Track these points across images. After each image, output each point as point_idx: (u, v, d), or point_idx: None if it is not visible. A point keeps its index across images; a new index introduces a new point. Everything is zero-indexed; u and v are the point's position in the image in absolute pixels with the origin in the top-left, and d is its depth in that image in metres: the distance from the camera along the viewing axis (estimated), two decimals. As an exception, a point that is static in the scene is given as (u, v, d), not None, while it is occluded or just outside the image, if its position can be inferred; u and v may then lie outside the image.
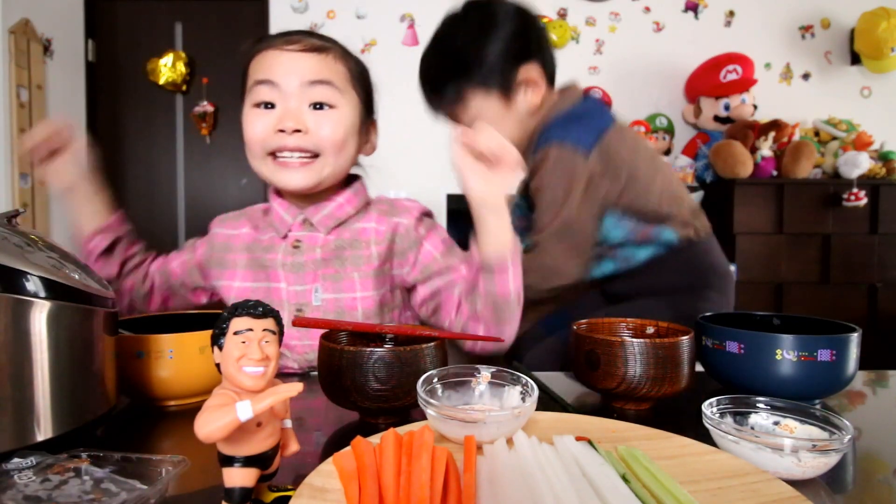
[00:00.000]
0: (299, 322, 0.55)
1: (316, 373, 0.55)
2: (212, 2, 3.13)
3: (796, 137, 2.99)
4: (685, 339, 0.55)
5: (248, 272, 0.84)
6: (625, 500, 0.33)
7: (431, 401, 0.42)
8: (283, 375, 0.77)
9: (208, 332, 0.37)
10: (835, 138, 3.05)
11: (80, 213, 0.84)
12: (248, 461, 0.32)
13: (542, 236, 1.01)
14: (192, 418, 0.30)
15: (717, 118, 3.03)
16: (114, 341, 0.52)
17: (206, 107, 3.08)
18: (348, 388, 0.49)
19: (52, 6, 2.78)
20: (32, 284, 0.42)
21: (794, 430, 0.44)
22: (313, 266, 0.81)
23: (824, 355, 0.55)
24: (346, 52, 0.83)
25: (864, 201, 2.71)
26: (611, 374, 0.55)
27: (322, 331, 0.57)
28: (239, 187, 3.13)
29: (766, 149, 2.84)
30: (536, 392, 0.45)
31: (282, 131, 0.75)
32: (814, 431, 0.44)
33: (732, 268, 2.74)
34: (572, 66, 3.05)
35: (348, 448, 0.37)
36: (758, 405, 0.47)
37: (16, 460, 0.38)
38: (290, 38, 0.79)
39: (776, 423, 0.46)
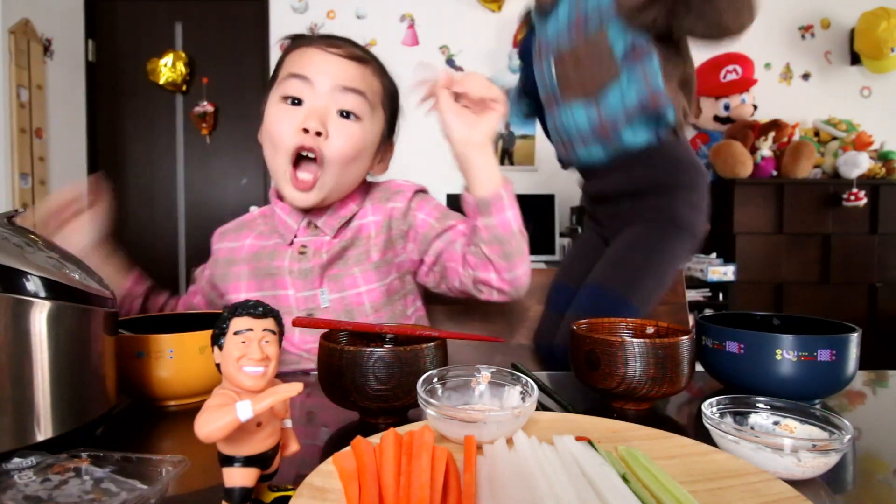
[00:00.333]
0: (299, 322, 0.55)
1: (316, 373, 0.55)
2: (212, 2, 3.13)
3: (796, 137, 2.99)
4: (685, 339, 0.55)
5: (253, 282, 0.83)
6: (625, 500, 0.33)
7: (431, 401, 0.42)
8: (283, 375, 0.77)
9: (208, 332, 0.37)
10: (835, 138, 3.05)
11: (102, 273, 0.81)
12: (248, 461, 0.32)
13: None
14: (192, 418, 0.30)
15: (716, 118, 3.03)
16: (114, 341, 0.52)
17: (206, 107, 3.08)
18: (348, 388, 0.49)
19: (52, 6, 2.78)
20: (32, 284, 0.42)
21: (794, 430, 0.44)
22: (319, 270, 0.81)
23: (824, 355, 0.55)
24: (384, 69, 0.84)
25: (863, 201, 2.72)
26: (611, 374, 0.55)
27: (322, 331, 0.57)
28: (239, 187, 3.13)
29: (766, 149, 2.84)
30: (536, 392, 0.45)
31: (305, 131, 0.73)
32: (814, 431, 0.44)
33: (732, 267, 2.74)
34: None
35: (348, 448, 0.37)
36: (758, 405, 0.47)
37: (16, 460, 0.38)
38: (334, 41, 0.79)
39: (776, 423, 0.46)
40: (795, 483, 0.38)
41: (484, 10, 3.15)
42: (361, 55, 0.80)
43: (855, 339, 0.57)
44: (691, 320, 1.75)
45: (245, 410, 0.29)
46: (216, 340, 0.32)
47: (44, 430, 0.42)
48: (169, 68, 3.03)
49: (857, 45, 3.12)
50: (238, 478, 0.32)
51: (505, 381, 0.49)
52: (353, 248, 0.82)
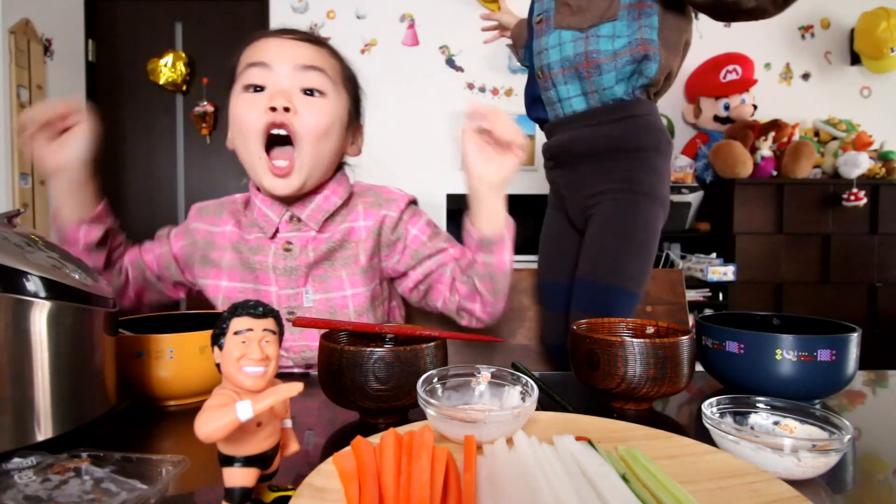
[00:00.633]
0: (299, 322, 0.55)
1: (316, 373, 0.55)
2: (212, 2, 3.13)
3: (796, 137, 2.99)
4: (685, 339, 0.55)
5: (235, 272, 0.82)
6: (625, 500, 0.33)
7: (431, 401, 0.42)
8: (283, 375, 0.77)
9: (208, 332, 0.37)
10: (835, 138, 3.05)
11: (67, 198, 0.78)
12: (248, 461, 0.32)
13: None
14: (192, 418, 0.30)
15: (716, 118, 3.03)
16: (114, 341, 0.52)
17: (206, 107, 3.08)
18: (348, 388, 0.49)
19: (52, 6, 2.78)
20: (32, 284, 0.42)
21: (794, 430, 0.44)
22: (305, 269, 0.80)
23: (824, 355, 0.55)
24: (338, 53, 0.84)
25: (863, 201, 2.72)
26: (611, 374, 0.55)
27: (321, 330, 0.57)
28: (239, 187, 3.12)
29: (765, 149, 2.84)
30: (536, 392, 0.45)
31: (273, 109, 0.73)
32: (814, 431, 0.44)
33: (732, 267, 2.74)
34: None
35: (348, 448, 0.37)
36: (758, 405, 0.47)
37: (16, 460, 0.38)
38: (286, 30, 0.80)
39: (776, 423, 0.46)
40: (795, 483, 0.38)
41: (484, 10, 3.15)
42: (315, 38, 0.81)
43: (855, 339, 0.57)
44: (691, 320, 1.76)
45: (245, 410, 0.29)
46: (216, 340, 0.32)
47: (44, 430, 0.42)
48: (169, 68, 3.03)
49: (857, 45, 3.12)
50: (238, 478, 0.32)
51: (505, 381, 0.49)
52: (342, 250, 0.82)
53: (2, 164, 2.47)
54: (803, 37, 3.26)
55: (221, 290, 0.82)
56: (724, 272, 2.73)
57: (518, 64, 1.43)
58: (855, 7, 3.10)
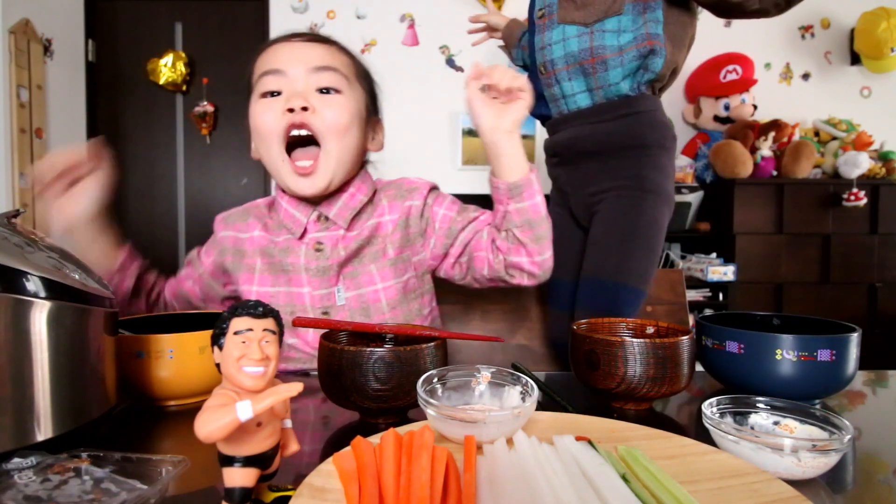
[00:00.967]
0: (299, 322, 0.55)
1: (316, 373, 0.55)
2: (212, 2, 3.13)
3: (796, 137, 2.99)
4: (685, 339, 0.55)
5: (267, 276, 0.82)
6: (625, 500, 0.33)
7: (431, 401, 0.42)
8: (283, 375, 0.77)
9: (208, 332, 0.37)
10: (835, 138, 3.05)
11: (89, 252, 0.75)
12: (248, 461, 0.32)
13: None
14: (192, 418, 0.30)
15: (716, 118, 3.03)
16: (114, 341, 0.52)
17: (206, 107, 3.08)
18: (348, 388, 0.49)
19: (52, 6, 2.78)
20: (32, 284, 0.42)
21: (794, 430, 0.44)
22: (336, 268, 0.80)
23: (824, 355, 0.55)
24: (348, 49, 0.84)
25: (863, 201, 2.72)
26: (611, 374, 0.55)
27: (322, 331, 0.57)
28: (239, 187, 3.13)
29: (766, 149, 2.84)
30: (536, 392, 0.45)
31: (290, 111, 0.74)
32: (814, 431, 0.44)
33: (732, 267, 2.74)
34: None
35: (348, 448, 0.37)
36: (758, 405, 0.47)
37: (16, 460, 0.38)
38: (294, 33, 0.81)
39: (776, 423, 0.46)
40: (795, 483, 0.38)
41: (484, 10, 3.15)
42: (324, 37, 0.82)
43: (855, 339, 0.57)
44: (691, 320, 1.76)
45: (245, 410, 0.29)
46: (216, 340, 0.32)
47: (44, 430, 0.42)
48: (169, 68, 3.03)
49: (857, 45, 3.12)
50: (238, 478, 0.32)
51: (505, 381, 0.49)
52: (370, 246, 0.82)
53: (2, 164, 2.47)
54: (803, 37, 3.26)
55: (253, 294, 0.82)
56: (724, 272, 2.73)
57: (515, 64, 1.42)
58: (855, 7, 3.10)
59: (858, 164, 2.76)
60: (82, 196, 0.71)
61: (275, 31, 3.08)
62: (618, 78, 1.03)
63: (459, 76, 3.12)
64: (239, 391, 0.31)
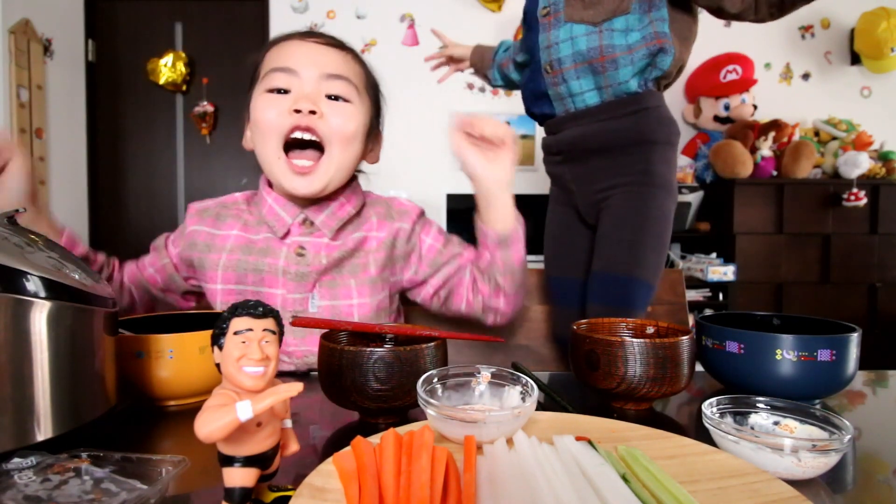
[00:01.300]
0: (299, 322, 0.55)
1: (316, 373, 0.55)
2: (212, 2, 3.13)
3: (796, 137, 2.99)
4: (685, 339, 0.55)
5: (231, 274, 0.79)
6: (625, 500, 0.33)
7: (431, 401, 0.42)
8: (283, 375, 0.77)
9: (208, 332, 0.37)
10: (835, 138, 3.05)
11: None
12: (248, 461, 0.32)
13: None
14: (192, 418, 0.30)
15: (717, 118, 3.03)
16: (114, 341, 0.52)
17: (206, 107, 3.08)
18: (348, 388, 0.49)
19: (52, 6, 2.78)
20: (32, 284, 0.42)
21: (794, 430, 0.44)
22: (315, 275, 0.80)
23: (824, 355, 0.55)
24: (362, 58, 0.84)
25: (863, 201, 2.72)
26: (611, 374, 0.55)
27: (322, 331, 0.57)
28: (239, 187, 3.12)
29: (766, 149, 2.84)
30: (536, 392, 0.45)
31: (297, 112, 0.73)
32: (814, 431, 0.44)
33: (732, 267, 2.74)
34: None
35: (348, 448, 0.37)
36: (758, 405, 0.47)
37: (16, 460, 0.38)
38: (312, 33, 0.80)
39: (776, 423, 0.46)
40: (795, 483, 0.38)
41: (484, 10, 3.15)
42: (341, 43, 0.81)
43: (855, 339, 0.57)
44: (691, 320, 1.76)
45: (245, 410, 0.29)
46: (216, 340, 0.32)
47: (44, 430, 0.42)
48: (169, 68, 3.03)
49: (857, 45, 3.12)
50: (238, 478, 0.32)
51: (505, 381, 0.49)
52: (352, 258, 0.81)
53: (2, 164, 2.47)
54: (803, 37, 3.26)
55: (218, 293, 0.80)
56: (724, 272, 2.73)
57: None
58: (855, 7, 3.10)
59: (858, 164, 2.76)
60: (5, 184, 0.68)
61: (275, 30, 3.08)
62: (628, 76, 1.04)
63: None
64: (239, 391, 0.31)
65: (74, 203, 2.95)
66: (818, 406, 0.51)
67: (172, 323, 0.68)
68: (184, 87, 3.11)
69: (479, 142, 0.75)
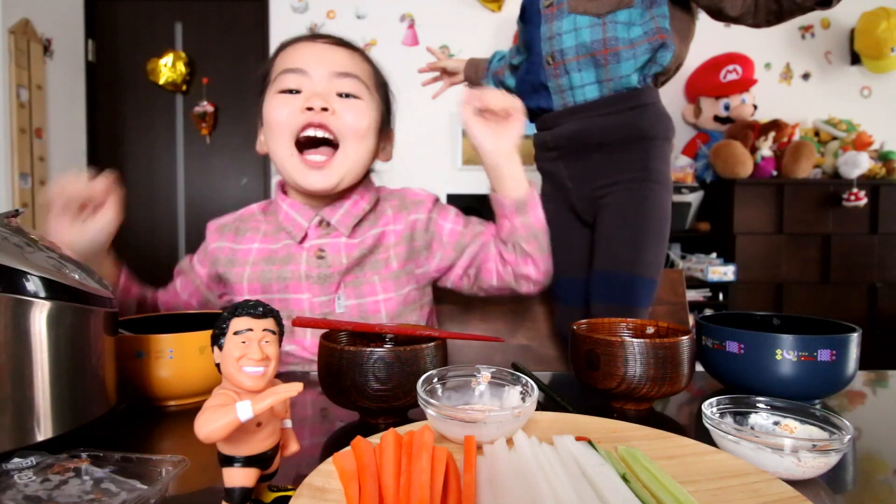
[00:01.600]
0: (299, 322, 0.55)
1: (316, 373, 0.55)
2: (212, 2, 3.13)
3: (796, 137, 2.99)
4: (685, 339, 0.55)
5: (257, 285, 0.81)
6: (625, 500, 0.33)
7: (431, 401, 0.42)
8: (282, 375, 0.77)
9: (208, 332, 0.37)
10: (835, 138, 3.05)
11: None
12: (248, 461, 0.32)
13: None
14: (192, 418, 0.30)
15: (717, 118, 3.03)
16: (114, 341, 0.52)
17: (206, 107, 3.08)
18: (348, 388, 0.49)
19: (52, 6, 2.78)
20: (32, 284, 0.42)
21: (794, 430, 0.44)
22: (338, 276, 0.80)
23: (824, 355, 0.55)
24: (370, 58, 0.85)
25: (864, 201, 2.72)
26: (611, 374, 0.55)
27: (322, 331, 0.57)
28: (239, 187, 3.13)
29: (766, 149, 2.84)
30: (536, 392, 0.45)
31: (310, 109, 0.74)
32: (814, 431, 0.44)
33: (732, 267, 2.74)
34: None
35: (348, 448, 0.37)
36: (758, 405, 0.47)
37: (16, 460, 0.38)
38: (318, 35, 0.81)
39: (776, 423, 0.46)
40: (795, 483, 0.38)
41: (484, 10, 3.15)
42: (349, 42, 0.82)
43: (855, 339, 0.57)
44: (691, 320, 1.76)
45: (245, 410, 0.29)
46: (216, 340, 0.32)
47: (44, 430, 0.42)
48: (169, 68, 3.03)
49: (857, 45, 3.12)
50: (238, 478, 0.32)
51: (505, 381, 0.49)
52: (373, 255, 0.82)
53: (2, 164, 2.47)
54: (803, 37, 3.26)
55: None
56: (724, 272, 2.73)
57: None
58: (855, 7, 3.10)
59: (858, 164, 2.76)
60: (91, 228, 0.69)
61: (275, 30, 3.08)
62: (629, 70, 1.04)
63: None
64: (239, 391, 0.31)
65: (74, 203, 2.95)
66: (818, 406, 0.51)
67: (172, 323, 0.68)
68: (184, 87, 3.11)
69: (487, 115, 0.76)
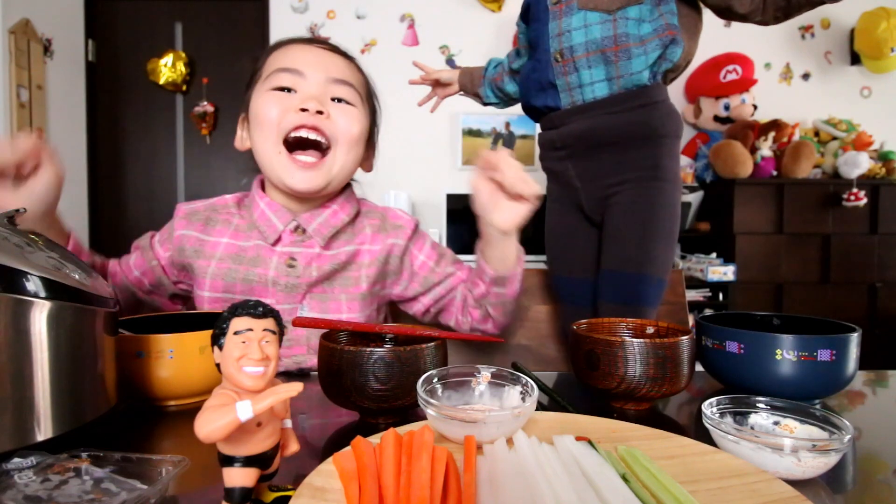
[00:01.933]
0: (299, 322, 0.55)
1: (316, 373, 0.55)
2: (212, 2, 3.13)
3: (796, 137, 2.99)
4: (685, 339, 0.55)
5: (219, 282, 0.78)
6: (625, 500, 0.33)
7: (431, 401, 0.42)
8: (282, 375, 0.77)
9: (208, 332, 0.37)
10: (835, 138, 3.05)
11: None
12: (248, 461, 0.32)
13: None
14: (192, 418, 0.30)
15: (717, 118, 3.03)
16: (114, 341, 0.52)
17: (206, 107, 3.08)
18: (348, 388, 0.49)
19: (52, 6, 2.78)
20: (32, 284, 0.42)
21: (794, 430, 0.44)
22: (305, 286, 0.79)
23: (824, 355, 0.55)
24: (364, 71, 0.85)
25: (863, 201, 2.72)
26: (611, 374, 0.55)
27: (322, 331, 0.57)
28: (239, 187, 3.12)
29: (766, 149, 2.84)
30: (536, 392, 0.45)
31: (304, 111, 0.73)
32: (814, 431, 0.44)
33: (732, 267, 2.74)
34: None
35: (348, 448, 0.37)
36: (758, 405, 0.47)
37: (16, 460, 0.38)
38: (314, 39, 0.81)
39: (776, 423, 0.46)
40: (795, 483, 0.38)
41: (484, 10, 3.15)
42: (345, 51, 0.82)
43: (855, 339, 0.57)
44: (691, 320, 1.76)
45: (245, 410, 0.29)
46: (216, 340, 0.32)
47: (44, 430, 0.42)
48: (169, 68, 3.03)
49: (857, 45, 3.12)
50: (238, 478, 0.32)
51: (505, 381, 0.49)
52: (344, 272, 0.81)
53: (2, 164, 2.47)
54: (803, 37, 3.27)
55: (205, 299, 0.79)
56: (724, 272, 2.73)
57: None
58: (855, 7, 3.10)
59: (858, 164, 2.76)
60: (32, 190, 0.65)
61: (275, 30, 3.08)
62: (640, 67, 1.03)
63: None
64: (239, 391, 0.31)
65: (74, 203, 2.95)
66: (818, 406, 0.51)
67: (172, 323, 0.68)
68: (184, 87, 3.11)
69: (500, 185, 0.73)
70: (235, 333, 0.32)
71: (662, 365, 0.54)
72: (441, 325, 0.91)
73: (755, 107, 3.00)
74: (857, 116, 3.17)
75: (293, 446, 0.36)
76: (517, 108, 1.38)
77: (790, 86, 3.27)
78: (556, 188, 1.22)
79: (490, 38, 3.16)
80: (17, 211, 0.50)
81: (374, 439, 0.39)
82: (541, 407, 0.55)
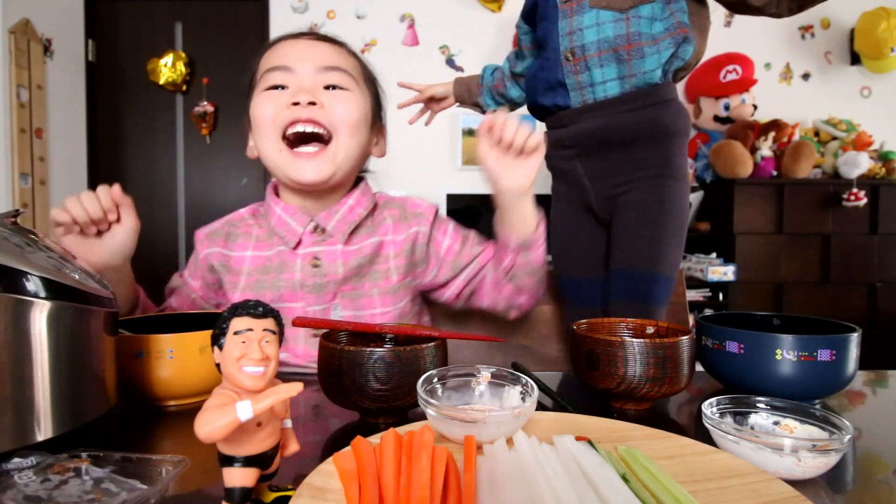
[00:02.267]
0: (299, 322, 0.55)
1: (316, 372, 0.55)
2: (212, 2, 3.13)
3: (796, 137, 2.99)
4: (685, 339, 0.55)
5: (249, 294, 0.79)
6: (625, 500, 0.33)
7: (431, 401, 0.42)
8: (283, 375, 0.76)
9: (208, 332, 0.37)
10: (835, 138, 3.05)
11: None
12: (248, 461, 0.32)
13: None
14: (192, 418, 0.30)
15: (717, 118, 3.03)
16: (114, 341, 0.52)
17: (206, 107, 3.08)
18: (348, 388, 0.49)
19: (52, 6, 2.78)
20: (32, 284, 0.42)
21: (794, 430, 0.44)
22: (334, 285, 0.78)
23: (824, 355, 0.55)
24: (356, 53, 0.84)
25: (863, 201, 2.72)
26: (611, 374, 0.55)
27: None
28: (239, 187, 3.13)
29: (765, 149, 2.84)
30: (536, 392, 0.45)
31: (296, 104, 0.72)
32: (814, 431, 0.44)
33: (732, 267, 2.74)
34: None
35: (348, 448, 0.37)
36: (758, 405, 0.47)
37: (16, 460, 0.38)
38: (301, 32, 0.80)
39: (776, 423, 0.46)
40: (795, 483, 0.38)
41: (484, 10, 3.15)
42: (333, 38, 0.81)
43: (855, 339, 0.57)
44: (691, 320, 1.76)
45: (245, 410, 0.29)
46: (216, 340, 0.32)
47: (44, 430, 0.42)
48: (169, 68, 3.03)
49: (857, 45, 3.12)
50: (238, 478, 0.32)
51: (505, 381, 0.49)
52: (372, 265, 0.80)
53: (2, 164, 2.47)
54: (803, 37, 3.26)
55: None
56: (724, 272, 2.73)
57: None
58: (855, 7, 3.10)
59: (858, 164, 2.76)
60: (108, 244, 0.68)
61: (275, 30, 3.08)
62: (653, 65, 1.03)
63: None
64: (239, 391, 0.31)
65: (74, 203, 2.95)
66: (818, 406, 0.51)
67: (172, 323, 0.68)
68: (184, 87, 3.11)
69: (504, 146, 0.73)
70: (235, 333, 0.32)
71: (662, 365, 0.54)
72: (472, 310, 0.90)
73: (755, 107, 3.00)
74: (857, 116, 3.17)
75: (293, 446, 0.36)
76: (519, 109, 1.38)
77: (790, 86, 3.27)
78: (563, 187, 1.21)
79: (490, 38, 3.16)
80: (18, 211, 0.50)
81: (374, 439, 0.39)
82: (541, 407, 0.55)
